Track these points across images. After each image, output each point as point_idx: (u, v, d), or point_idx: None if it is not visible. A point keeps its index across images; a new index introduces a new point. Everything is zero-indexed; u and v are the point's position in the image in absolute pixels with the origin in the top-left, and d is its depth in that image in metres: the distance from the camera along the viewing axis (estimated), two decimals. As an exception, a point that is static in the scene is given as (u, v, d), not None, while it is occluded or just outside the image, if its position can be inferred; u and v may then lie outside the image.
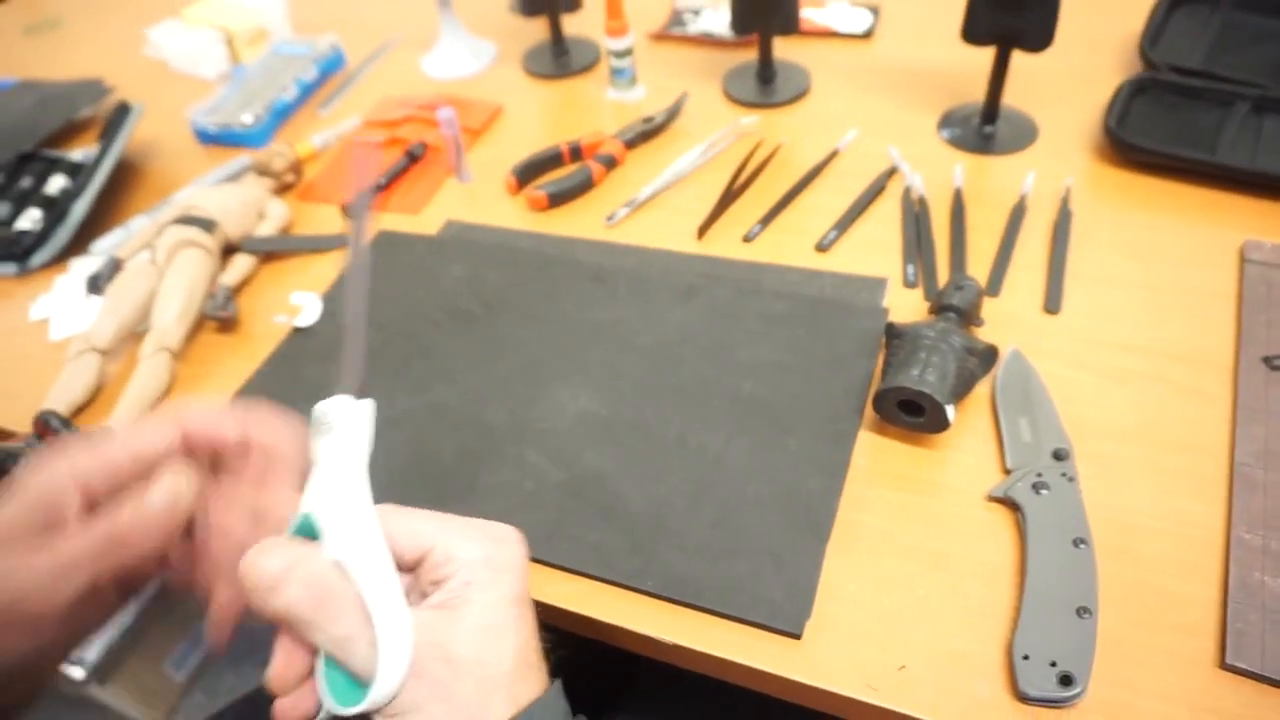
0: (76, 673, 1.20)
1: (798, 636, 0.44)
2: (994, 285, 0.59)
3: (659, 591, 0.46)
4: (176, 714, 1.33)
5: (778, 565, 0.46)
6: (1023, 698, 0.40)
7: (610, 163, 0.73)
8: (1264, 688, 0.40)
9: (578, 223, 0.70)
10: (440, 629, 0.31)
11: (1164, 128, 0.67)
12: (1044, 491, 0.47)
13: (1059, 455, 0.48)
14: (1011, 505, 0.47)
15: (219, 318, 0.64)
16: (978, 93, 0.71)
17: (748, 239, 0.66)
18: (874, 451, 0.51)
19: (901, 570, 0.46)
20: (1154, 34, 0.73)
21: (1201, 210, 0.63)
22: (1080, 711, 0.40)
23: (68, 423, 0.58)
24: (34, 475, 0.35)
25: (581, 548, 0.48)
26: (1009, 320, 0.57)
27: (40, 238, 0.74)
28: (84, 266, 0.72)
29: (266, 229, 0.72)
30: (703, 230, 0.66)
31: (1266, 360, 0.52)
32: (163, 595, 1.27)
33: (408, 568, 0.34)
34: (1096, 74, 0.75)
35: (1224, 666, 0.40)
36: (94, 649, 1.21)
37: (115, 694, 1.24)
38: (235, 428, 0.37)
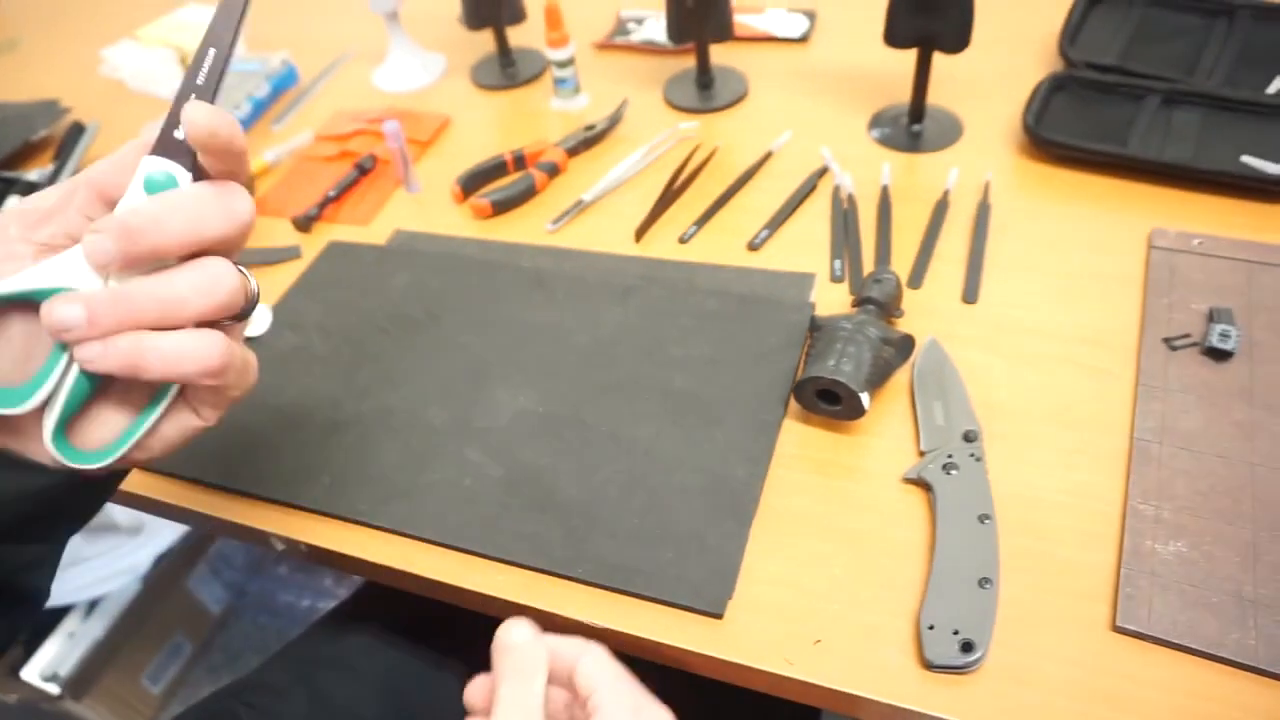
0: (51, 688, 1.21)
1: (719, 616, 0.46)
2: (916, 278, 0.62)
3: (590, 579, 0.48)
4: (152, 726, 1.33)
5: (702, 550, 0.48)
6: (928, 665, 0.43)
7: (553, 170, 0.75)
8: (1151, 647, 0.42)
9: (521, 229, 0.72)
10: None
11: (1080, 122, 0.70)
12: (953, 471, 0.49)
13: (968, 437, 0.51)
14: (924, 486, 0.50)
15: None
16: (907, 93, 0.74)
17: (683, 240, 0.68)
18: (797, 439, 0.54)
19: (820, 550, 0.48)
20: (1072, 32, 0.76)
21: (1113, 200, 0.65)
22: (982, 675, 0.42)
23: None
24: None
25: (518, 539, 0.50)
26: (929, 310, 0.60)
27: (-4, 257, 0.75)
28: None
29: (218, 243, 0.74)
30: (640, 233, 0.69)
31: (1167, 341, 0.54)
32: (135, 610, 1.28)
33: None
34: (1019, 71, 0.77)
35: (1115, 629, 0.43)
36: (67, 664, 1.22)
37: (92, 709, 1.25)
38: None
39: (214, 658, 1.41)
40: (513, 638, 0.39)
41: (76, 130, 0.83)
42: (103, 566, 1.29)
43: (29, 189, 0.80)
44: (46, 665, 1.21)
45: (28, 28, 1.18)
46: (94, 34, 1.10)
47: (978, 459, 0.49)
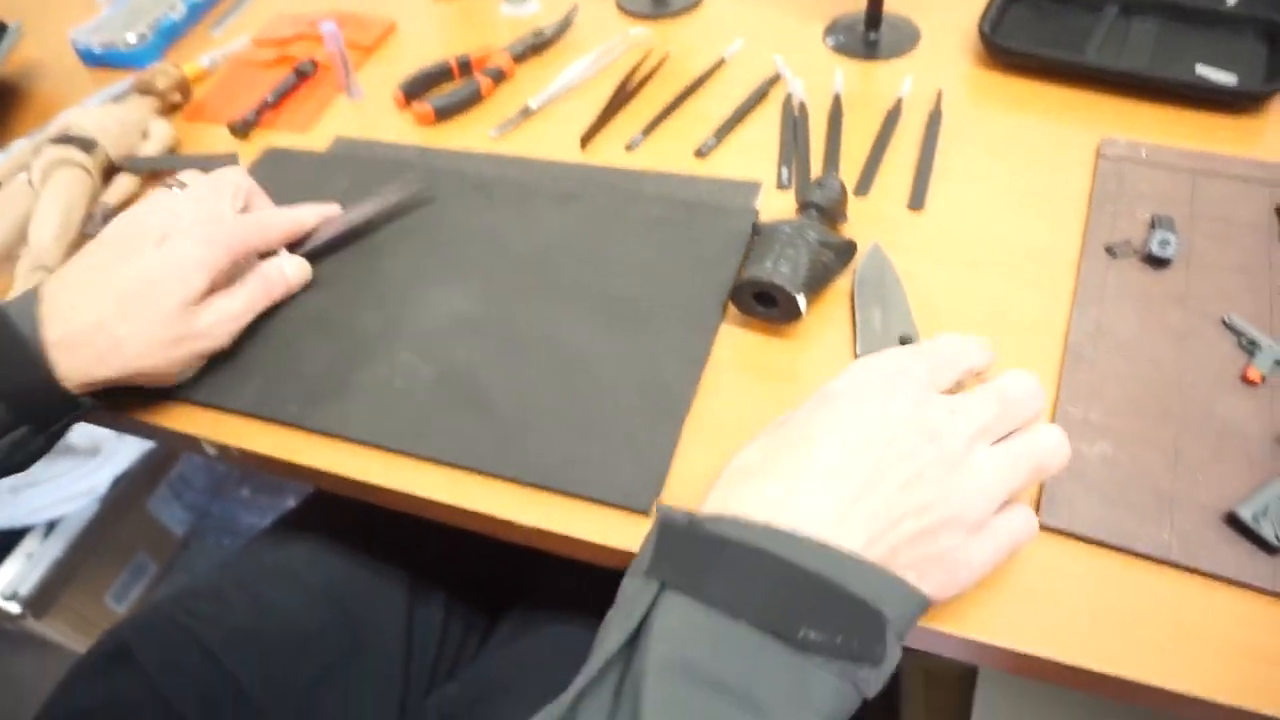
0: (12, 607, 1.21)
1: (646, 514, 0.46)
2: (863, 185, 0.61)
3: (521, 477, 0.48)
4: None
5: (632, 449, 0.48)
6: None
7: (499, 76, 0.73)
8: (1073, 543, 0.43)
9: (466, 136, 0.70)
10: None
11: (1038, 31, 0.68)
12: (886, 374, 0.49)
13: (904, 340, 0.51)
14: (857, 389, 0.49)
15: (99, 236, 0.64)
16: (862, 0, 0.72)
17: (630, 147, 0.66)
18: (734, 344, 0.53)
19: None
20: (1035, -62, 0.74)
21: (1067, 110, 0.64)
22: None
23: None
24: (206, 253, 0.51)
25: (449, 438, 0.50)
26: (874, 218, 0.59)
27: (-84, 161, 0.72)
28: (-38, 189, 0.71)
29: (150, 149, 0.71)
30: (585, 140, 0.67)
31: (1108, 248, 0.54)
32: (94, 530, 1.28)
33: None
34: (979, -21, 0.75)
35: (1040, 527, 0.43)
36: (27, 583, 1.22)
37: (53, 627, 1.25)
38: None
39: (178, 577, 1.42)
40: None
41: (-1, 30, 0.79)
42: (60, 488, 1.28)
43: (-49, 92, 0.77)
44: (6, 585, 1.21)
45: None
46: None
47: None
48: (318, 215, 0.59)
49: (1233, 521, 0.42)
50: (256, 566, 0.66)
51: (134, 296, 0.49)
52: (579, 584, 0.65)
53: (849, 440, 0.36)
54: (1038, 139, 0.63)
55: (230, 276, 0.54)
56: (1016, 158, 0.61)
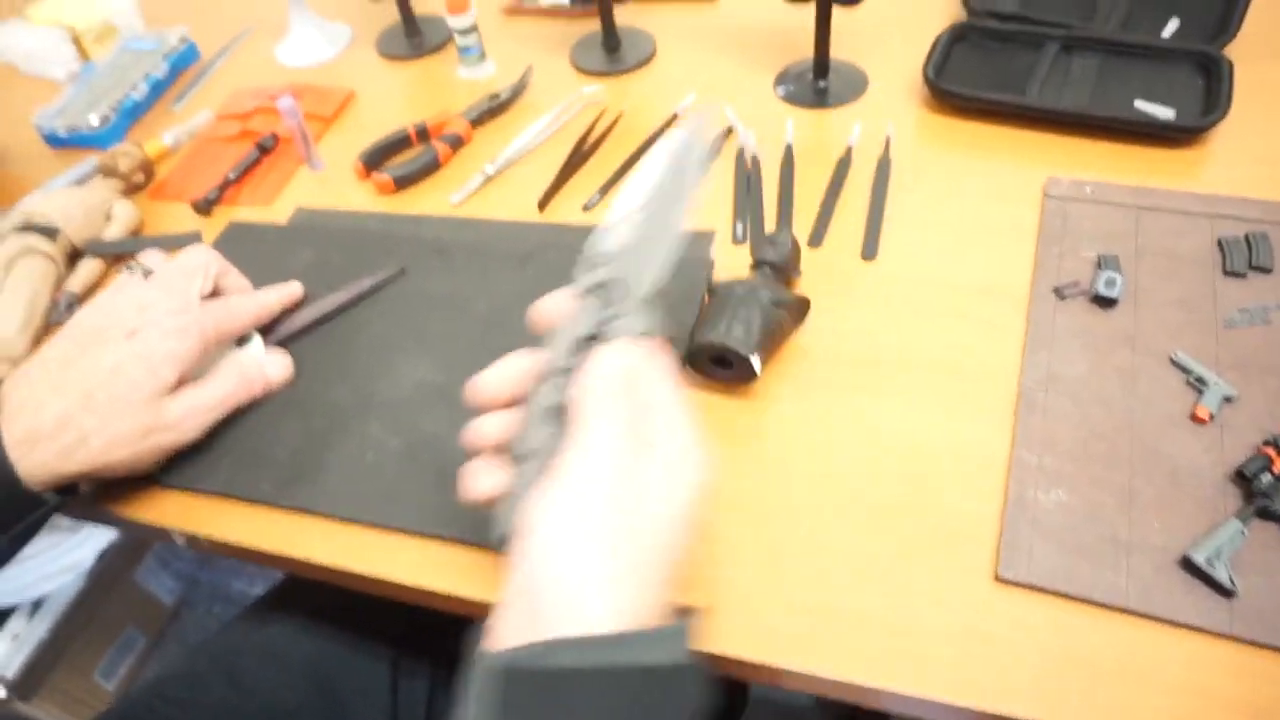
0: (-2, 691, 1.20)
1: None
2: (817, 237, 0.62)
3: (492, 544, 0.48)
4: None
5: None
6: (815, 623, 0.43)
7: (456, 142, 0.74)
8: (1031, 594, 0.43)
9: (426, 202, 0.71)
10: None
11: (982, 72, 0.70)
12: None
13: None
14: (816, 445, 0.50)
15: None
16: (813, 48, 0.73)
17: (587, 208, 0.67)
18: (696, 407, 0.53)
19: (714, 515, 0.48)
20: (974, -19, 0.76)
21: (1013, 150, 0.65)
22: (860, 626, 0.43)
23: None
24: (184, 347, 0.52)
25: (419, 509, 0.50)
26: (828, 270, 0.60)
27: (-120, 256, 0.72)
28: (-73, 282, 0.71)
29: (114, 231, 0.72)
30: (543, 203, 0.68)
31: (1056, 290, 0.55)
32: (81, 606, 1.27)
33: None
34: (922, 21, 0.77)
35: (998, 578, 0.44)
36: (13, 666, 1.20)
37: (41, 709, 1.23)
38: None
39: (169, 648, 1.41)
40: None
41: (-38, 119, 0.80)
42: (44, 565, 1.27)
43: (-85, 183, 0.77)
44: (-9, 668, 1.20)
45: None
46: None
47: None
48: (283, 298, 0.60)
49: (1187, 565, 0.42)
50: (235, 646, 0.65)
51: (101, 389, 0.49)
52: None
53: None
54: (985, 180, 0.64)
55: (201, 363, 0.54)
56: (965, 200, 0.63)
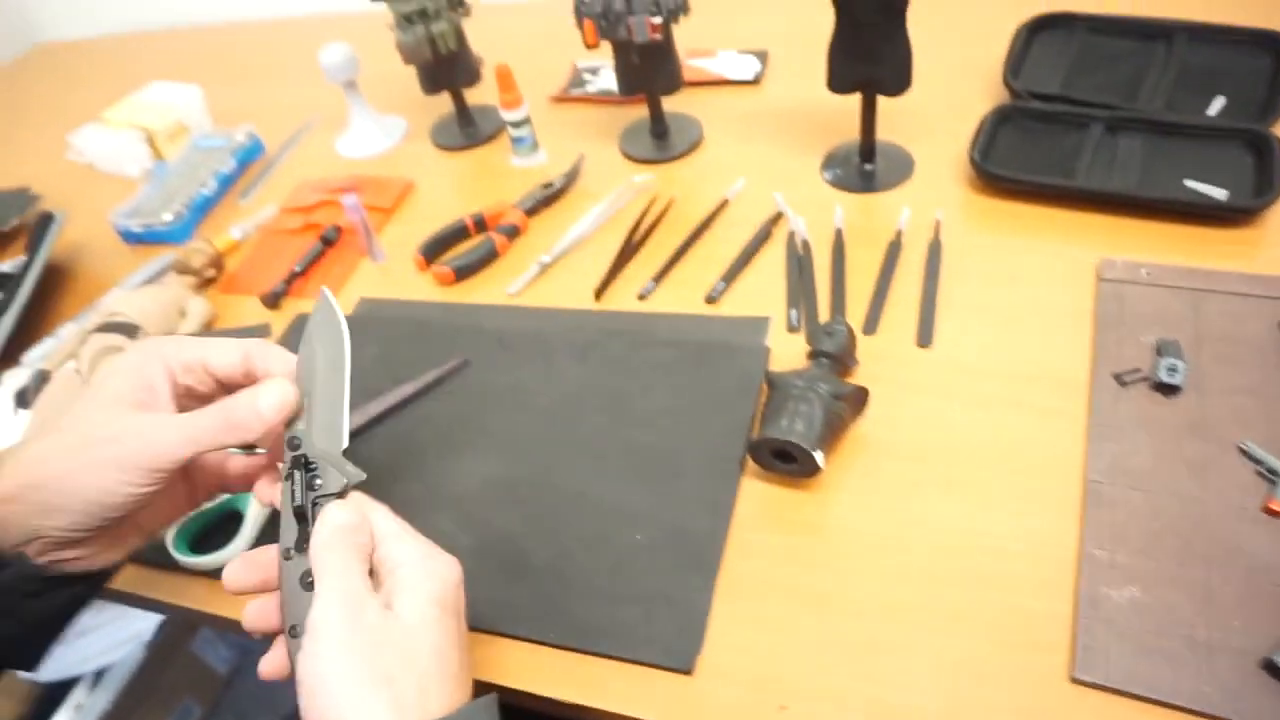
0: (61, 765, 1.21)
1: (688, 672, 0.47)
2: (870, 324, 0.63)
3: (560, 642, 0.49)
4: (164, 794, 1.33)
5: (669, 606, 0.49)
6: (890, 728, 0.43)
7: (513, 232, 0.76)
8: (1110, 697, 0.43)
9: (485, 292, 0.73)
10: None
11: (1027, 153, 0.71)
12: (909, 525, 0.49)
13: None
14: (882, 540, 0.50)
15: (143, 421, 0.67)
16: (859, 131, 0.75)
17: (642, 297, 0.69)
18: (758, 498, 0.54)
19: (783, 612, 0.49)
20: (1015, 62, 0.77)
21: (1062, 232, 0.66)
22: (941, 734, 0.43)
23: None
24: (130, 358, 0.43)
25: (491, 607, 0.51)
26: (884, 358, 0.60)
27: (-29, 354, 0.76)
28: (14, 379, 0.75)
29: (188, 327, 0.75)
30: (599, 293, 0.69)
31: (1117, 377, 0.55)
32: (141, 677, 1.29)
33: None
34: (966, 104, 0.78)
35: (1074, 680, 0.43)
36: (76, 741, 1.22)
37: (102, 780, 1.25)
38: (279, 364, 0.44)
39: (223, 718, 1.42)
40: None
41: (46, 219, 0.84)
42: (107, 636, 1.30)
43: (1, 281, 0.82)
44: (55, 739, 1.22)
45: (-4, 115, 1.20)
46: (61, 118, 1.11)
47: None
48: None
49: (1271, 669, 0.41)
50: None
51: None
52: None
53: None
54: (1037, 263, 0.64)
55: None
56: (1018, 284, 0.63)
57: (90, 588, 0.46)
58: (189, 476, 0.47)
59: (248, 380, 0.44)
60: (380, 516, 0.42)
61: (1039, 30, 0.80)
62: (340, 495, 0.41)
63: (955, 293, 0.63)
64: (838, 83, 0.69)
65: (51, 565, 0.43)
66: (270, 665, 0.42)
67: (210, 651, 1.42)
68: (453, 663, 0.37)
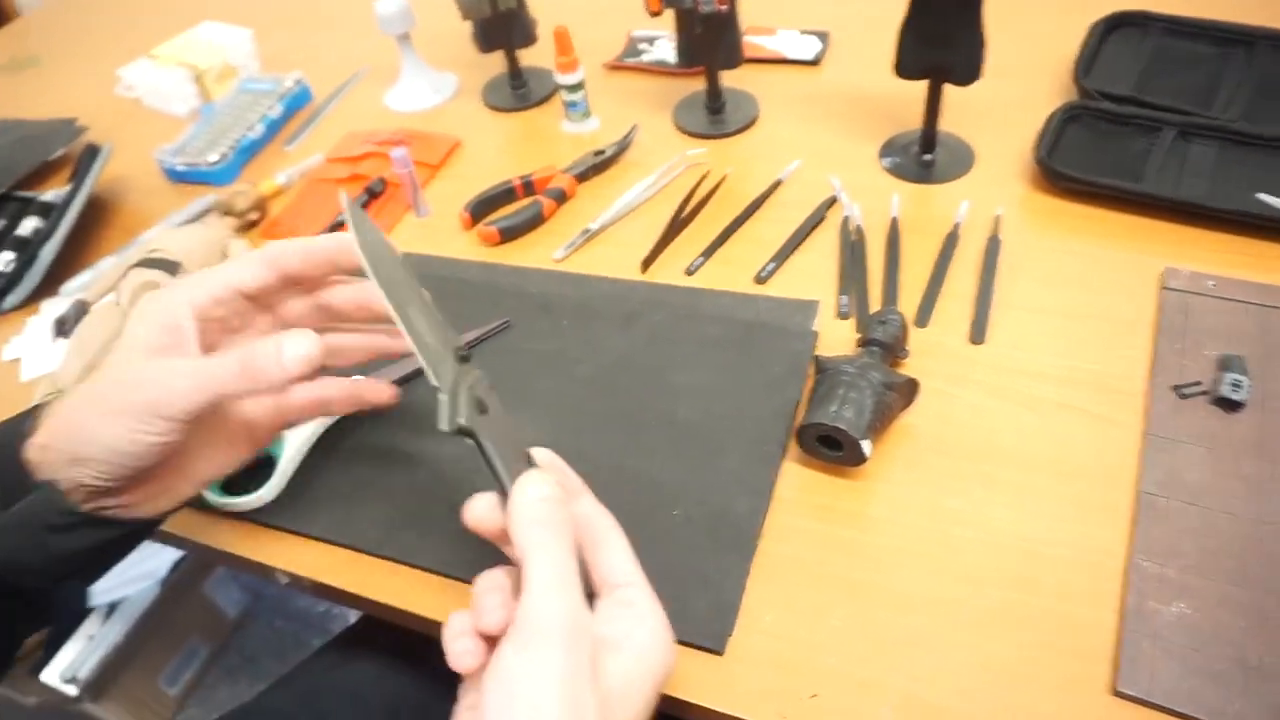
0: (70, 690, 1.23)
1: (720, 653, 0.46)
2: (923, 316, 0.61)
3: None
4: (167, 731, 1.35)
5: (704, 585, 0.49)
6: (923, 725, 0.42)
7: (561, 197, 0.75)
8: (1152, 713, 0.42)
9: (529, 255, 0.73)
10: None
11: (1094, 155, 0.69)
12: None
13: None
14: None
15: (180, 359, 0.67)
16: (919, 119, 0.73)
17: (689, 272, 0.68)
18: (798, 483, 0.53)
19: (818, 599, 0.48)
20: (1087, 61, 0.75)
21: (1127, 238, 0.64)
22: (976, 735, 0.42)
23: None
24: (155, 303, 0.43)
25: None
26: (935, 351, 0.59)
27: (12, 280, 0.76)
28: (53, 308, 0.75)
29: (229, 268, 0.74)
30: (646, 264, 0.68)
31: (1176, 389, 0.54)
32: (153, 613, 1.30)
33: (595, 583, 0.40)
34: (1033, 100, 0.76)
35: (1116, 693, 0.42)
36: (86, 666, 1.24)
37: (109, 710, 1.27)
38: (319, 256, 0.44)
39: (230, 660, 1.43)
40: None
41: (91, 152, 0.84)
42: (123, 571, 1.31)
43: (45, 209, 0.82)
44: (66, 667, 1.24)
45: (49, 46, 1.20)
46: (112, 52, 1.11)
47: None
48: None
49: (1323, 697, 0.40)
50: (319, 685, 0.66)
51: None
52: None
53: None
54: (1098, 267, 0.63)
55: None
56: (1077, 287, 0.62)
57: (129, 534, 0.45)
58: (239, 421, 0.46)
59: (326, 273, 0.46)
60: (608, 526, 0.43)
61: (1113, 29, 0.78)
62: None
63: (1012, 291, 0.62)
64: (906, 68, 0.68)
65: (96, 511, 0.42)
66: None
67: (222, 593, 1.43)
68: None
